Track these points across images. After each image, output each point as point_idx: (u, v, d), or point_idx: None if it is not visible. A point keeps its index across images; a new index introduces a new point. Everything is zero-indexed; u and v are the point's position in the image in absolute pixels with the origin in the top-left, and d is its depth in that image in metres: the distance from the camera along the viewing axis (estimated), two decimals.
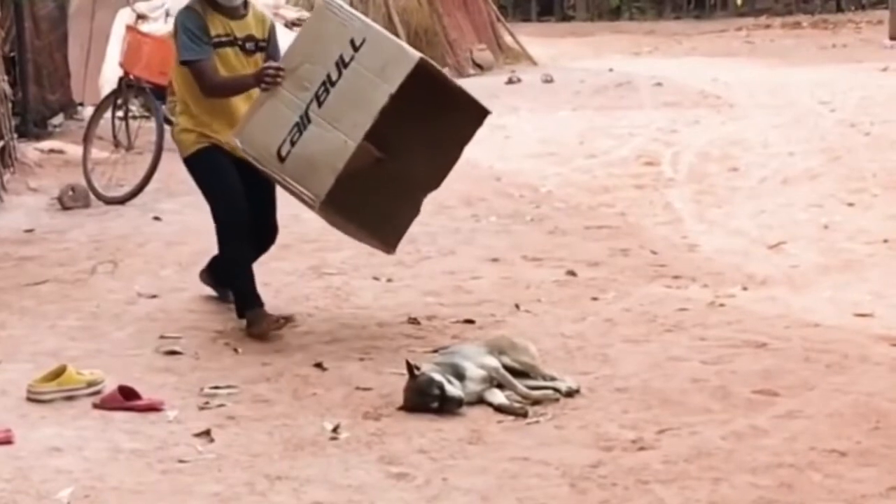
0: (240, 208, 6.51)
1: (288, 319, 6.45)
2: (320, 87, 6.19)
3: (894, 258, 7.94)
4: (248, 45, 6.66)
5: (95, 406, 5.46)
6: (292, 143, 6.21)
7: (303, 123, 6.20)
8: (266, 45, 6.72)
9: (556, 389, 5.55)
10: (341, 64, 6.16)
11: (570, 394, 5.54)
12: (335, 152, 6.10)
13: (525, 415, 5.34)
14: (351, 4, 17.05)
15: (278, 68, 6.29)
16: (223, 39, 6.56)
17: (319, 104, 6.19)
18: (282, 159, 6.22)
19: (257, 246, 6.76)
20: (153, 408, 5.43)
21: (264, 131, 6.29)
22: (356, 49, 6.14)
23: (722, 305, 6.94)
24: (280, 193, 6.76)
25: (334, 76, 6.17)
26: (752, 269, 7.75)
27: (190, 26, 6.50)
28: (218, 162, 6.59)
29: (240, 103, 6.56)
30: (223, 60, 6.55)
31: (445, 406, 5.34)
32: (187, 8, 6.60)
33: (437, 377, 5.38)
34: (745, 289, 7.31)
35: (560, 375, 5.68)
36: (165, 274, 7.77)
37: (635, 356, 6.09)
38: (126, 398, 5.46)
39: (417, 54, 6.14)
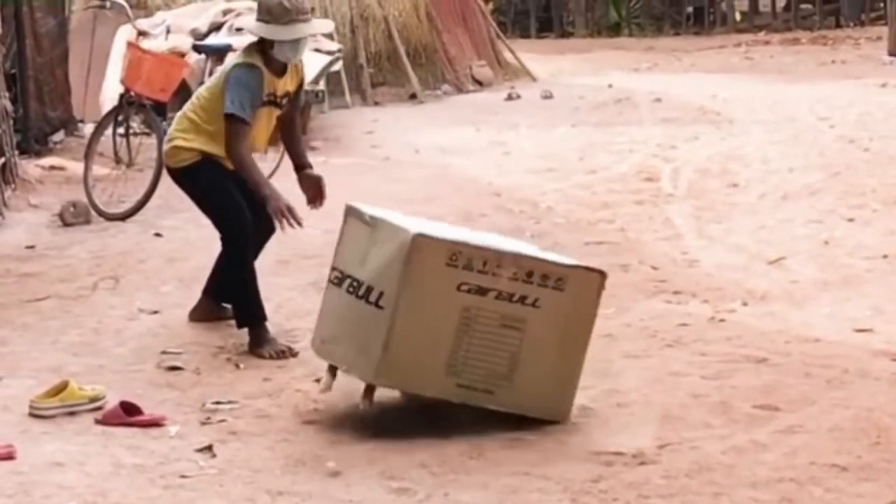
0: (247, 218, 6.57)
1: (293, 354, 6.44)
2: (354, 280, 5.51)
3: (894, 273, 7.95)
4: (283, 101, 6.64)
5: (97, 422, 5.47)
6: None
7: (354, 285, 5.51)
8: (293, 97, 6.70)
9: None
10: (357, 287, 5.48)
11: None
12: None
13: None
14: (351, 22, 17.15)
15: (293, 216, 6.24)
16: (266, 99, 6.52)
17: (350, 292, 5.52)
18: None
19: (255, 250, 6.82)
20: (155, 423, 5.45)
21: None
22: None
23: (722, 321, 6.96)
24: None
25: (358, 289, 5.47)
26: (752, 285, 7.76)
27: (253, 86, 6.38)
28: (221, 173, 6.59)
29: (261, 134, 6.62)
30: (255, 115, 6.51)
31: None
32: (252, 66, 6.42)
33: None
34: (745, 304, 7.32)
35: None
36: (166, 290, 7.77)
37: (636, 371, 6.10)
38: (128, 413, 5.47)
39: (371, 372, 5.33)
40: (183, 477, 4.89)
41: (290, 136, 6.88)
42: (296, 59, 6.57)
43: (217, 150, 6.57)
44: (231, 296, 6.80)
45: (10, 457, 5.01)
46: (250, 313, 6.58)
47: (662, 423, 5.39)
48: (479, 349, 5.32)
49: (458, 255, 5.28)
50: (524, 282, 5.33)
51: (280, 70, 6.55)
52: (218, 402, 5.74)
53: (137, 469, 4.96)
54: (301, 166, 6.81)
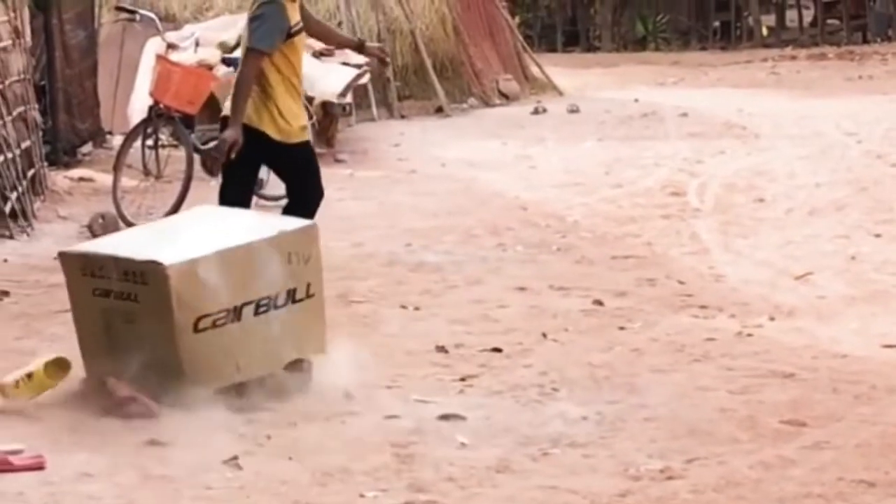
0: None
1: None
2: (264, 299, 5.83)
3: None
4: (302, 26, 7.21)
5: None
6: (214, 325, 5.71)
7: (233, 315, 5.76)
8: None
9: None
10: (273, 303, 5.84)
11: None
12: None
13: None
14: (378, 36, 17.19)
15: (219, 161, 6.90)
16: (297, 28, 7.03)
17: (255, 313, 5.81)
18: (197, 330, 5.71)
19: None
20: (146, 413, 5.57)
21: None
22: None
23: (749, 335, 6.95)
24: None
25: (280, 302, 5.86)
26: (779, 300, 7.75)
27: (276, 18, 6.89)
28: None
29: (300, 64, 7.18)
30: (298, 47, 7.09)
31: None
32: (275, 2, 6.90)
33: None
34: (772, 319, 7.31)
35: None
36: None
37: (663, 386, 6.09)
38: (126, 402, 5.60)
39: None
40: (209, 489, 4.90)
41: (328, 34, 7.77)
42: None
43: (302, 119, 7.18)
44: None
45: (39, 467, 5.03)
46: None
47: (689, 437, 5.38)
48: (123, 345, 5.74)
49: (86, 265, 5.86)
50: (124, 280, 5.71)
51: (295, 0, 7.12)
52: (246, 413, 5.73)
53: (165, 480, 4.97)
54: (359, 45, 7.66)
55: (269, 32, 6.91)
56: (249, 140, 6.99)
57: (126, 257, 5.76)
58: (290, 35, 6.97)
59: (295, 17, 7.03)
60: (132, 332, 5.72)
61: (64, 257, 6.03)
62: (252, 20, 7.00)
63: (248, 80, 6.92)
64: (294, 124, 7.08)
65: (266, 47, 6.91)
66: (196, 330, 5.66)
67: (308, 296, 5.96)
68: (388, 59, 8.07)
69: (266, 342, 5.85)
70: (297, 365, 5.94)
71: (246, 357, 5.79)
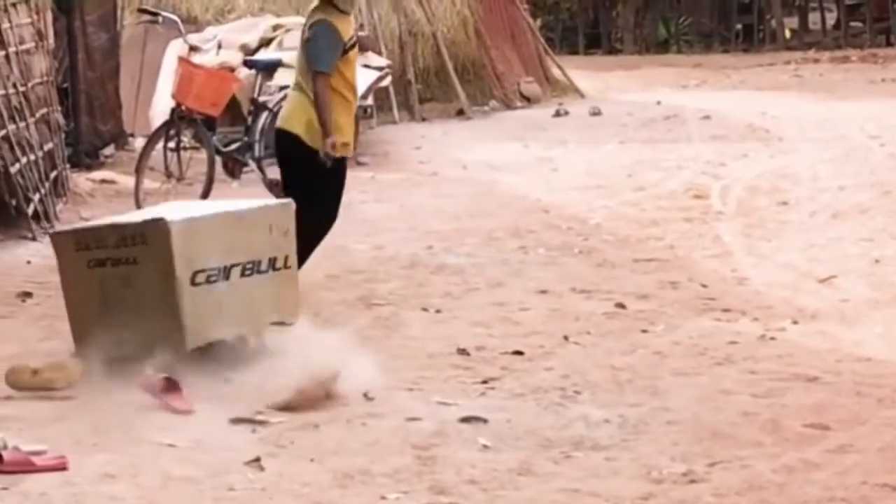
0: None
1: None
2: (250, 262, 6.35)
3: None
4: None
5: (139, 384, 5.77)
6: (207, 281, 6.18)
7: (223, 274, 6.23)
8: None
9: None
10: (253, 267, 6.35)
11: None
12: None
13: None
14: (399, 38, 17.20)
15: (334, 150, 7.22)
16: (351, 42, 7.37)
17: (242, 275, 6.31)
18: (193, 283, 6.15)
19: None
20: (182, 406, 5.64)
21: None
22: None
23: (772, 339, 6.93)
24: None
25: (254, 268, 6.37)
26: (803, 303, 7.72)
27: (330, 40, 7.27)
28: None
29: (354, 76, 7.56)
30: (352, 60, 7.46)
31: None
32: (326, 22, 7.30)
33: None
34: (795, 322, 7.29)
35: None
36: None
37: (685, 389, 6.08)
38: (165, 390, 5.71)
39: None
40: (231, 490, 4.90)
41: None
42: (353, 8, 7.63)
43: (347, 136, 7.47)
44: None
45: (62, 468, 5.05)
46: None
47: (712, 441, 5.36)
48: (119, 311, 6.05)
49: (80, 239, 6.28)
50: (122, 245, 6.12)
51: (350, 12, 7.54)
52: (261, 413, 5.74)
53: (187, 481, 4.98)
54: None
55: (326, 53, 7.25)
56: (290, 147, 7.32)
57: (125, 223, 6.28)
58: (345, 51, 7.31)
59: (348, 31, 7.36)
60: (130, 296, 6.08)
61: (56, 237, 6.45)
62: (306, 42, 7.33)
63: (325, 97, 7.26)
64: (338, 140, 7.32)
65: (325, 68, 7.25)
66: (193, 283, 6.10)
67: (286, 266, 6.48)
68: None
69: (249, 303, 6.33)
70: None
71: (232, 315, 6.24)
